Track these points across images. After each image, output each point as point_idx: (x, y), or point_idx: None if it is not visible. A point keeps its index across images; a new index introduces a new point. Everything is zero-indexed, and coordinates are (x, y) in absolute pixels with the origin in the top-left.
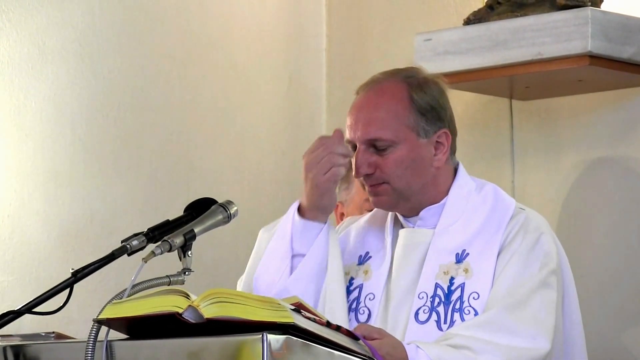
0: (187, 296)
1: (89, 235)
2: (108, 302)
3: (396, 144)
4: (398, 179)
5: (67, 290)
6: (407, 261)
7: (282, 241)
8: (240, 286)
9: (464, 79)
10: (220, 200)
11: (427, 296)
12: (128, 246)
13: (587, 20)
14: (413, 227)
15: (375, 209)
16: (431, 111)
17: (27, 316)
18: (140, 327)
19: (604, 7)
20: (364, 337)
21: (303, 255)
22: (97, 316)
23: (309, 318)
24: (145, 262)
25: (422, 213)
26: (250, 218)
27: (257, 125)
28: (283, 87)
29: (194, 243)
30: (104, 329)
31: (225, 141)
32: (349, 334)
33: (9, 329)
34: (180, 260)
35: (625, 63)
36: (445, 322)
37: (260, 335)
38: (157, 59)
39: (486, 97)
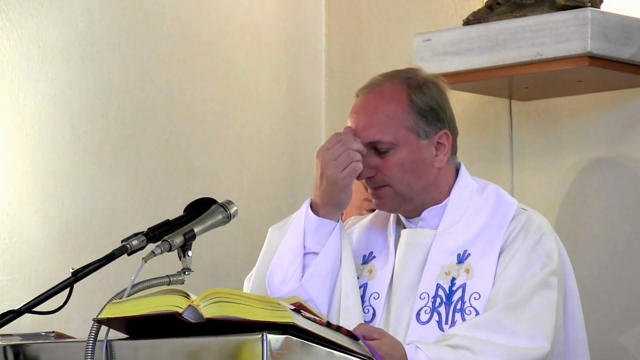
0: (187, 296)
1: (88, 235)
2: (108, 302)
3: (396, 146)
4: (399, 182)
5: (67, 290)
6: (408, 261)
7: (295, 239)
8: (248, 285)
9: (464, 79)
10: (219, 200)
11: (428, 297)
12: (128, 246)
13: (586, 20)
14: (415, 228)
15: (375, 213)
16: (431, 112)
17: (26, 316)
18: (140, 327)
19: (603, 7)
20: (364, 337)
21: (316, 254)
22: (97, 316)
23: (308, 318)
24: (145, 261)
25: (424, 214)
26: (249, 218)
27: (256, 126)
28: (282, 87)
29: (194, 243)
30: (103, 328)
31: (225, 141)
32: (349, 334)
33: (8, 328)
34: (180, 260)
35: (624, 64)
36: (446, 323)
37: (260, 335)
38: (156, 59)
39: (485, 98)
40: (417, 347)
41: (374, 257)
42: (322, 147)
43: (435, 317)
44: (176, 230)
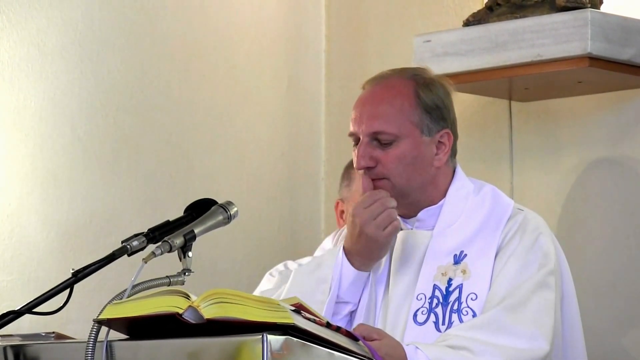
0: (187, 297)
1: (88, 235)
2: (108, 303)
3: (400, 138)
4: (399, 175)
5: (67, 291)
6: (405, 263)
7: (329, 288)
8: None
9: (463, 80)
10: (220, 201)
11: (425, 297)
12: (128, 246)
13: (586, 21)
14: (411, 229)
15: None
16: (436, 110)
17: (26, 316)
18: (141, 328)
19: (603, 8)
20: (364, 338)
21: (347, 303)
22: (97, 316)
23: (308, 319)
24: (146, 262)
25: (420, 214)
26: (249, 219)
27: (256, 127)
28: (282, 88)
29: (194, 244)
30: (104, 329)
31: (225, 142)
32: (349, 334)
33: (8, 329)
34: (180, 260)
35: (624, 65)
36: (443, 323)
37: (261, 336)
38: (156, 60)
39: (485, 99)
40: (417, 347)
41: None
42: (359, 205)
43: (432, 317)
44: (176, 231)
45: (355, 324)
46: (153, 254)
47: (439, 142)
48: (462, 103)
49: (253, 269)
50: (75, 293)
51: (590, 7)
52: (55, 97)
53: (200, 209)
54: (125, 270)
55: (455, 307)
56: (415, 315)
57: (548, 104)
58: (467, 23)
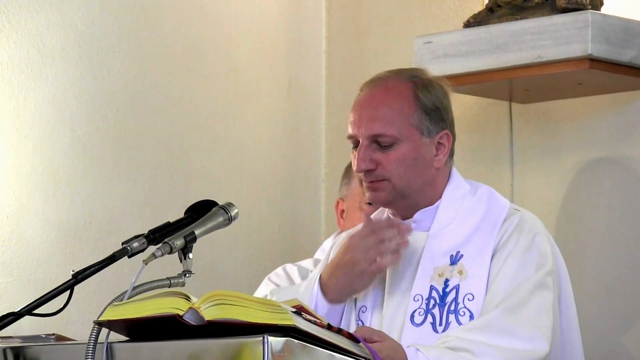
0: (187, 298)
1: (88, 237)
2: (109, 304)
3: (400, 141)
4: (399, 177)
5: (67, 292)
6: (402, 264)
7: None
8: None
9: (464, 81)
10: (220, 202)
11: (422, 298)
12: (129, 248)
13: (587, 23)
14: None
15: (371, 216)
16: (435, 111)
17: (26, 318)
18: (141, 329)
19: (604, 10)
20: (365, 340)
21: None
22: (98, 318)
23: (309, 320)
24: (146, 264)
25: (416, 216)
26: (249, 220)
27: (257, 128)
28: (283, 89)
29: (194, 245)
30: (104, 330)
31: (225, 144)
32: (350, 336)
33: (8, 330)
34: (181, 262)
35: (625, 66)
36: (440, 324)
37: (261, 338)
38: (156, 61)
39: (486, 100)
40: (418, 349)
41: None
42: (356, 234)
43: (430, 318)
44: (177, 233)
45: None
46: (153, 256)
47: (439, 143)
48: (462, 104)
49: (253, 271)
50: (75, 294)
51: (591, 9)
52: (55, 98)
53: (200, 210)
54: (125, 272)
55: (452, 307)
56: (412, 316)
57: (548, 106)
58: (468, 24)
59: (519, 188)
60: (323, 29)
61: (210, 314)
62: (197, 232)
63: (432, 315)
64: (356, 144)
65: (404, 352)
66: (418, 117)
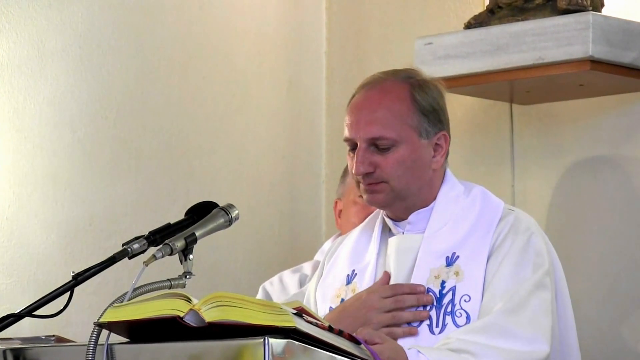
0: (188, 300)
1: (87, 238)
2: (109, 306)
3: (398, 143)
4: (398, 179)
5: (67, 294)
6: (398, 267)
7: None
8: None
9: (465, 83)
10: (220, 204)
11: None
12: (129, 249)
13: (588, 24)
14: (402, 233)
15: (364, 222)
16: (433, 112)
17: (26, 319)
18: (141, 331)
19: (605, 11)
20: (366, 342)
21: None
22: (98, 319)
23: (310, 322)
24: (147, 265)
25: (411, 217)
26: (249, 221)
27: (257, 129)
28: (283, 90)
29: (194, 246)
30: (104, 332)
31: (225, 145)
32: (351, 338)
33: (8, 332)
34: (181, 263)
35: (626, 68)
36: (437, 326)
37: (262, 339)
38: (156, 61)
39: (487, 102)
40: (419, 351)
41: (356, 274)
42: (378, 290)
43: (426, 320)
44: (177, 234)
45: None
46: (154, 257)
47: (436, 144)
48: (463, 106)
49: (254, 272)
50: (75, 296)
51: (592, 10)
52: (55, 99)
53: (201, 211)
54: (125, 273)
55: (449, 309)
56: None
57: (549, 107)
58: (469, 26)
59: (519, 189)
60: (323, 30)
61: (210, 315)
62: (197, 234)
63: (429, 317)
64: (353, 147)
65: (405, 354)
66: (416, 119)
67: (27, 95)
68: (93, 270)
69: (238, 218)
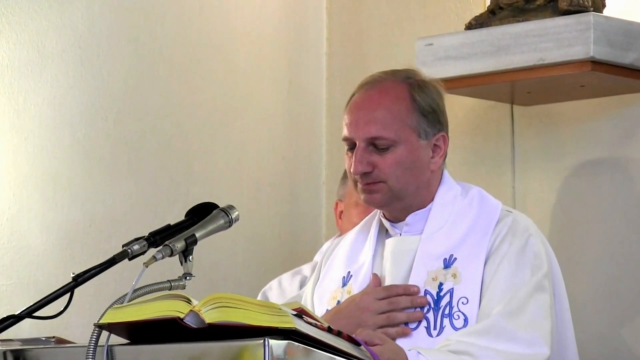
0: (188, 301)
1: (87, 239)
2: (109, 307)
3: (397, 143)
4: (396, 179)
5: (67, 295)
6: (395, 269)
7: None
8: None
9: (466, 84)
10: (220, 205)
11: None
12: (129, 250)
13: (589, 25)
14: (399, 234)
15: (361, 223)
16: (432, 113)
17: (26, 320)
18: (141, 332)
19: (606, 12)
20: (366, 343)
21: None
22: (98, 321)
23: (310, 323)
24: (147, 266)
25: (408, 218)
26: (249, 222)
27: (257, 130)
28: (283, 91)
29: (194, 248)
30: (104, 333)
31: (225, 146)
32: (351, 339)
33: (8, 333)
34: (182, 265)
35: (627, 69)
36: (434, 328)
37: (262, 341)
38: (156, 62)
39: (487, 103)
40: (419, 352)
41: (351, 276)
42: (370, 294)
43: (424, 322)
44: (178, 235)
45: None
46: (154, 258)
47: (435, 145)
48: (464, 107)
49: (254, 273)
50: (75, 297)
51: (593, 11)
52: (55, 100)
53: (201, 212)
54: (125, 275)
55: (447, 311)
56: None
57: (550, 108)
58: (470, 26)
59: (520, 190)
60: (324, 30)
61: (211, 316)
62: (197, 235)
63: (426, 320)
64: (352, 146)
65: (405, 355)
66: (415, 119)
67: (27, 96)
68: (93, 271)
69: (238, 219)
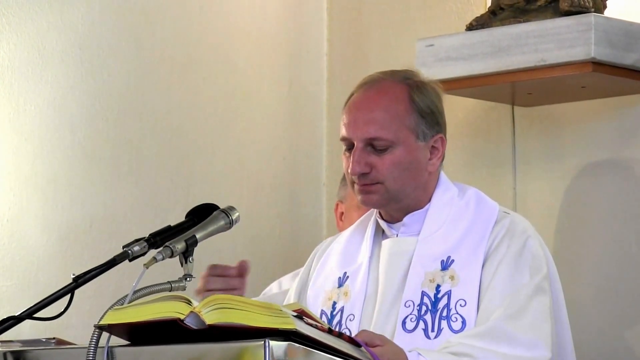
0: (188, 302)
1: (88, 240)
2: (109, 308)
3: (395, 144)
4: (394, 181)
5: (68, 296)
6: (392, 270)
7: None
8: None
9: (466, 85)
10: (221, 206)
11: (413, 304)
12: (129, 252)
13: (590, 26)
14: (396, 235)
15: (356, 223)
16: (431, 114)
17: (26, 322)
18: (142, 333)
19: (607, 13)
20: (366, 344)
21: None
22: (99, 322)
23: (310, 325)
24: (147, 267)
25: (405, 219)
26: (249, 223)
27: (257, 130)
28: (283, 91)
29: (195, 249)
30: (104, 334)
31: (226, 146)
32: (351, 340)
33: (8, 334)
34: (182, 266)
35: (628, 69)
36: (432, 330)
37: (262, 342)
38: (157, 63)
39: (488, 104)
40: (420, 354)
41: (348, 277)
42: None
43: (421, 325)
44: (178, 236)
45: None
46: (154, 259)
47: (433, 147)
48: (464, 108)
49: (254, 275)
50: (76, 298)
51: (594, 12)
52: (55, 101)
53: (201, 213)
54: (126, 276)
55: (445, 313)
56: (404, 322)
57: (551, 109)
58: (470, 27)
59: (521, 191)
60: (324, 31)
61: (211, 318)
62: (198, 236)
63: (424, 322)
64: (349, 146)
65: (406, 356)
66: (414, 121)
67: (27, 97)
68: (93, 272)
69: (239, 220)
